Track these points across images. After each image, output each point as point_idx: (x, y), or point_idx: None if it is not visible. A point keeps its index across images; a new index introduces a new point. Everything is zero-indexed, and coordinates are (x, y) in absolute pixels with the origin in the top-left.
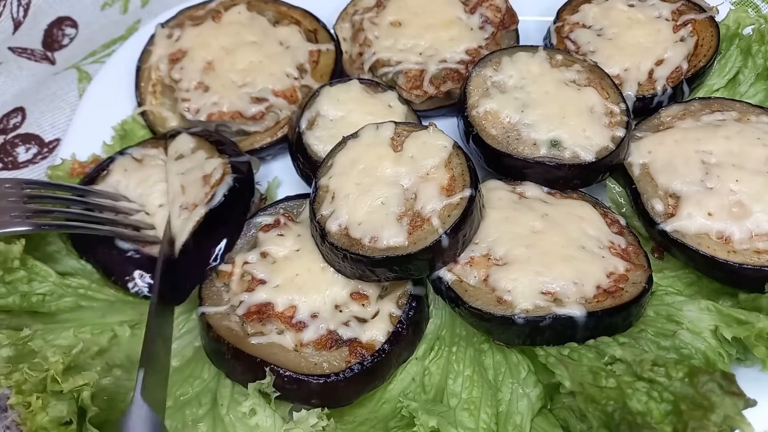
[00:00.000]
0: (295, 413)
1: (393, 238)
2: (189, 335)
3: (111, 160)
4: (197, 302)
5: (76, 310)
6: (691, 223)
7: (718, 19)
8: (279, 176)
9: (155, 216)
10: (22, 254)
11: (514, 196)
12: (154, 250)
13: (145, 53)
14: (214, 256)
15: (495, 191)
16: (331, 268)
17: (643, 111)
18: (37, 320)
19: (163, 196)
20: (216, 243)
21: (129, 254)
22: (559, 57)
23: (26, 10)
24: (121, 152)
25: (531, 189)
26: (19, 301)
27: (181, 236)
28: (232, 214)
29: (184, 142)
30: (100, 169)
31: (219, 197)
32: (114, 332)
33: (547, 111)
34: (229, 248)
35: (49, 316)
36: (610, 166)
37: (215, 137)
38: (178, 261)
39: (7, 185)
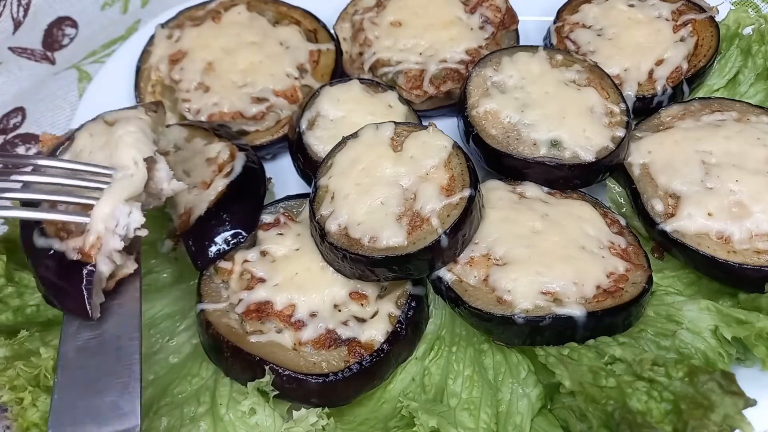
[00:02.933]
0: (294, 412)
1: (392, 238)
2: (187, 332)
3: (80, 127)
4: (196, 299)
5: None
6: (691, 223)
7: (718, 19)
8: (279, 176)
9: (132, 174)
10: (7, 269)
11: (514, 196)
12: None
13: (145, 53)
14: (241, 228)
15: (495, 191)
16: (331, 268)
17: (643, 111)
18: (34, 323)
19: (145, 148)
20: (240, 215)
21: (49, 253)
22: (559, 57)
23: (26, 10)
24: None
25: (531, 189)
26: (13, 317)
27: (200, 206)
28: (252, 187)
29: (176, 133)
30: (67, 138)
31: (238, 169)
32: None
33: (547, 111)
34: (254, 223)
35: (46, 321)
36: (610, 166)
37: (208, 125)
38: (195, 229)
39: None
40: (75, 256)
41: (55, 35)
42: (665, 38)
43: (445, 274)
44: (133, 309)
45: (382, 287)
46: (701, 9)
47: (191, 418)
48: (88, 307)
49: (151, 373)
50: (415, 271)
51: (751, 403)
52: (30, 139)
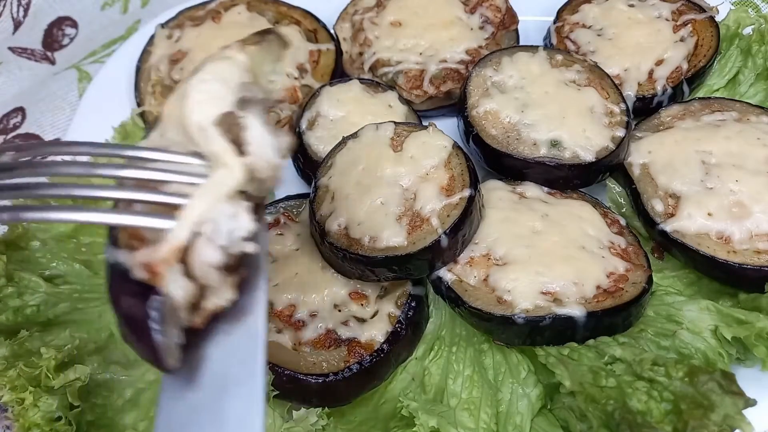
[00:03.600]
0: (294, 412)
1: (392, 238)
2: None
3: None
4: None
5: (72, 312)
6: (691, 223)
7: (718, 19)
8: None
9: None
10: (7, 269)
11: (514, 196)
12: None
13: (145, 53)
14: None
15: (495, 191)
16: (331, 268)
17: (643, 111)
18: (34, 324)
19: (218, 103)
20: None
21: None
22: (559, 57)
23: (26, 10)
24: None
25: (531, 189)
26: (13, 317)
27: None
28: None
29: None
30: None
31: None
32: (111, 330)
33: (547, 111)
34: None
35: (46, 321)
36: (610, 166)
37: None
38: None
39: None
40: (141, 275)
41: (55, 35)
42: (665, 38)
43: (445, 274)
44: (250, 359)
45: (382, 287)
46: (701, 9)
47: None
48: (157, 352)
49: (152, 373)
50: (415, 271)
51: (751, 403)
52: (30, 139)
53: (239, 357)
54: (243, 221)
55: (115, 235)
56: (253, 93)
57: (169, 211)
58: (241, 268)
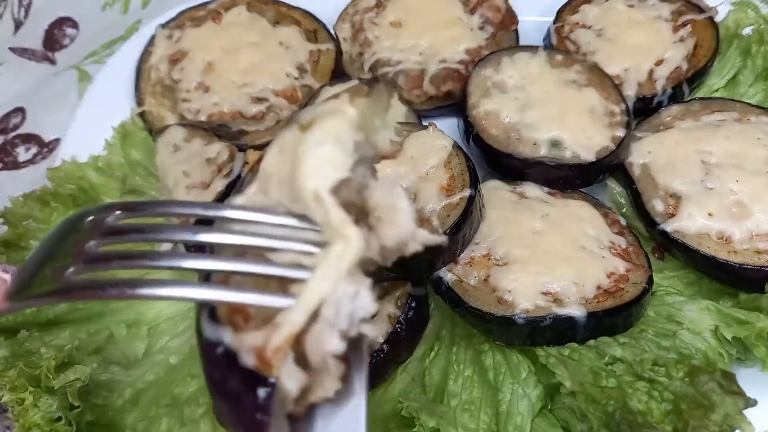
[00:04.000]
0: None
1: None
2: (187, 333)
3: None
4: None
5: (72, 312)
6: (691, 223)
7: (717, 19)
8: None
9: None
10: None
11: (515, 196)
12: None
13: (146, 54)
14: None
15: (495, 191)
16: None
17: (644, 111)
18: (34, 324)
19: (336, 168)
20: None
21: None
22: (560, 57)
23: (27, 11)
24: None
25: (531, 189)
26: (13, 317)
27: None
28: None
29: (175, 134)
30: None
31: (237, 170)
32: (110, 331)
33: (547, 111)
34: None
35: (46, 321)
36: (611, 166)
37: (208, 125)
38: None
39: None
40: (250, 362)
41: (55, 36)
42: (665, 38)
43: (446, 274)
44: None
45: (382, 288)
46: (701, 9)
47: (191, 419)
48: None
49: (152, 373)
50: (415, 272)
51: (751, 403)
52: (30, 139)
53: None
54: (365, 301)
55: (212, 308)
56: (367, 152)
57: (281, 286)
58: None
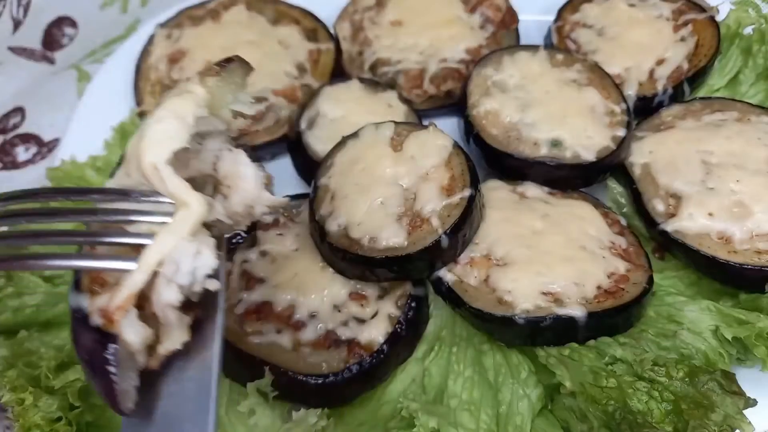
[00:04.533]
0: (294, 413)
1: (392, 238)
2: None
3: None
4: None
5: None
6: (692, 223)
7: (718, 19)
8: (279, 176)
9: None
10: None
11: (515, 196)
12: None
13: (145, 53)
14: None
15: (495, 191)
16: (330, 268)
17: (644, 111)
18: (34, 324)
19: (174, 142)
20: None
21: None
22: (560, 56)
23: (26, 10)
24: None
25: (531, 189)
26: (13, 317)
27: None
28: None
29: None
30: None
31: None
32: None
33: (548, 111)
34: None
35: (46, 321)
36: (611, 165)
37: None
38: None
39: None
40: (98, 321)
41: (54, 35)
42: (666, 38)
43: (446, 274)
44: (202, 396)
45: (382, 288)
46: (702, 9)
47: None
48: (116, 397)
49: None
50: (415, 272)
51: (751, 403)
52: (29, 138)
53: (191, 393)
54: (206, 258)
55: (78, 278)
56: (212, 126)
57: (135, 253)
58: (198, 306)
